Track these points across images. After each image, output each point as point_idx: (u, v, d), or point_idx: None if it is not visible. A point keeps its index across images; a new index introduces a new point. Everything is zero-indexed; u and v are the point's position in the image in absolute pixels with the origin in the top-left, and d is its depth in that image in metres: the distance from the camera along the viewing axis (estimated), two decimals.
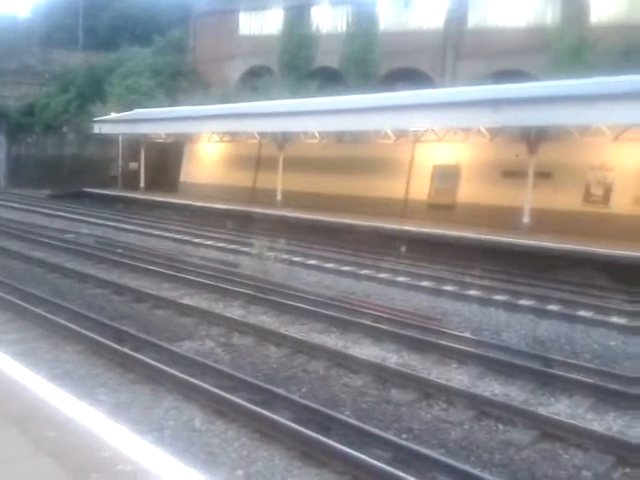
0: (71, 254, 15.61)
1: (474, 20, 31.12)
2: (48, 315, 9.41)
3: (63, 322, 9.07)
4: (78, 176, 36.31)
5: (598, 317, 11.15)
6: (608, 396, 7.26)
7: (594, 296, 12.95)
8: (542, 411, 6.77)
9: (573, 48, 24.55)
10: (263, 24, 38.14)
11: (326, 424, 6.10)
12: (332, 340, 9.25)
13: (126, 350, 7.90)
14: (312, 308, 10.68)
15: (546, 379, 7.74)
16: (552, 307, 11.78)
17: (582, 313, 11.38)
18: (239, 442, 5.75)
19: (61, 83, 44.51)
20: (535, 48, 26.25)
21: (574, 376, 7.75)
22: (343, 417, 6.28)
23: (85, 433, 3.53)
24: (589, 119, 16.56)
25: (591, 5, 26.59)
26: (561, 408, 7.02)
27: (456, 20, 31.04)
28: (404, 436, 6.13)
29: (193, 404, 6.51)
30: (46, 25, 52.04)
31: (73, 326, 8.87)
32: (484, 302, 12.05)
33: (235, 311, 10.70)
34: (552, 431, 6.26)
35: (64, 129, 41.04)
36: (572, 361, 8.50)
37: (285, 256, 15.50)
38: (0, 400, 3.95)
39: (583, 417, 6.79)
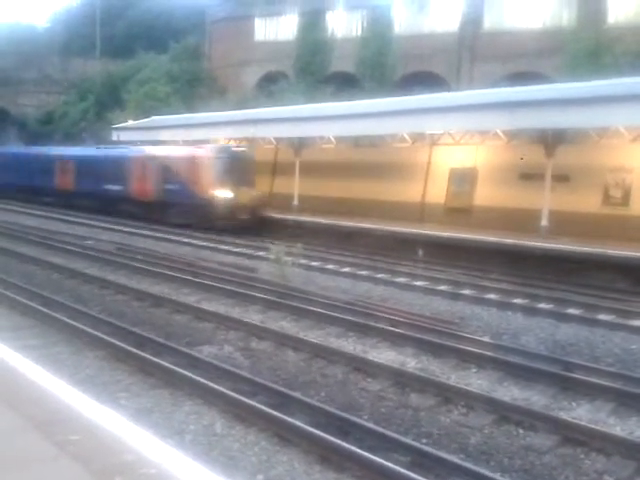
0: (90, 259, 15.77)
1: (489, 22, 31.02)
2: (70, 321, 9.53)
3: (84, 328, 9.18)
4: None
5: (619, 321, 11.02)
6: (630, 400, 7.18)
7: (615, 299, 12.80)
8: (563, 416, 6.72)
9: (590, 50, 24.36)
10: (278, 30, 38.33)
11: (345, 428, 6.10)
12: (350, 345, 9.25)
13: (146, 355, 7.97)
14: (330, 313, 10.68)
15: (567, 384, 7.68)
16: (572, 311, 11.66)
17: (602, 317, 11.27)
18: (259, 446, 5.77)
19: (79, 91, 45.13)
20: (551, 50, 26.12)
21: (595, 380, 7.68)
22: (362, 421, 6.28)
23: (108, 437, 3.57)
24: (607, 121, 16.41)
25: (608, 6, 26.38)
26: (582, 413, 6.95)
27: (471, 23, 30.95)
28: (423, 441, 6.11)
29: (213, 409, 6.54)
30: (64, 34, 52.83)
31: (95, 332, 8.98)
32: (503, 306, 11.97)
33: (253, 316, 10.74)
34: (573, 436, 6.20)
35: (83, 136, 41.56)
36: (593, 365, 8.43)
37: (302, 261, 15.52)
38: (24, 404, 4.01)
39: (605, 422, 6.72)
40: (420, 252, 17.64)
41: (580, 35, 25.20)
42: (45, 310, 10.09)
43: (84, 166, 29.40)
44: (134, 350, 8.15)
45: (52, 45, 49.49)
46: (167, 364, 7.60)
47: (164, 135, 30.45)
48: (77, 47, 51.21)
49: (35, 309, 10.21)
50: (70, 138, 42.29)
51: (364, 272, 15.25)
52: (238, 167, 22.84)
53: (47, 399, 4.13)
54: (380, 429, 6.04)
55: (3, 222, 23.05)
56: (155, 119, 32.78)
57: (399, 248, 18.25)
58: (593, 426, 6.38)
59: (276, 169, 28.43)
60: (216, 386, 6.86)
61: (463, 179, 21.69)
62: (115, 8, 52.55)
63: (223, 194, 22.25)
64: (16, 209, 29.56)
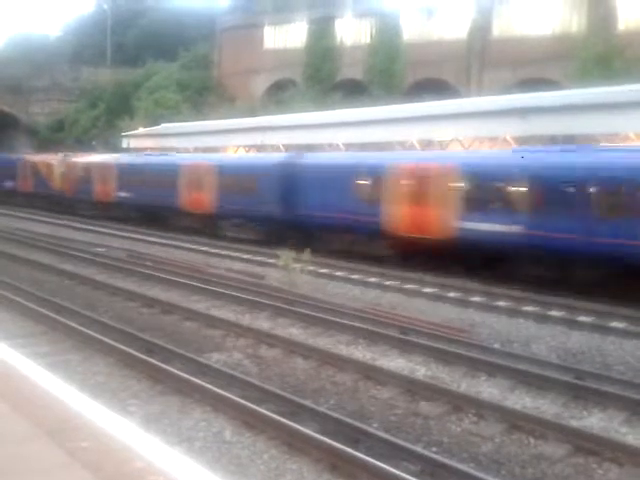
0: (101, 266, 15.82)
1: (498, 29, 30.98)
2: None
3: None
4: None
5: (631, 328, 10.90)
6: None
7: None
8: (575, 424, 6.66)
9: (600, 56, 24.27)
10: (287, 37, 38.48)
11: (355, 436, 6.07)
12: (359, 352, 9.22)
13: (156, 362, 7.97)
14: (339, 320, 10.65)
15: (578, 392, 7.60)
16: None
17: (614, 324, 11.14)
18: (268, 454, 5.75)
19: (90, 99, 45.48)
20: (561, 56, 26.03)
21: (607, 389, 7.60)
22: (372, 429, 6.25)
23: (118, 444, 3.56)
24: (617, 127, 16.35)
25: (618, 12, 26.30)
26: (594, 422, 6.88)
27: (480, 29, 30.94)
28: (434, 449, 6.07)
29: (222, 416, 6.53)
30: (75, 43, 53.40)
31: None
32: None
33: (262, 323, 10.73)
34: (585, 445, 6.14)
35: (93, 144, 41.84)
36: (605, 373, 8.35)
37: (311, 267, 15.47)
38: (35, 411, 4.01)
39: (617, 431, 6.65)
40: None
41: (590, 41, 25.13)
42: (56, 317, 10.13)
43: None
44: (144, 357, 8.16)
45: (63, 53, 50.02)
46: (176, 371, 7.60)
47: (173, 142, 30.63)
48: (88, 55, 51.71)
49: (46, 316, 10.25)
50: (81, 145, 42.61)
51: (373, 279, 15.17)
52: None
53: (58, 406, 4.14)
54: (390, 437, 6.01)
55: (16, 229, 23.18)
56: (165, 126, 32.96)
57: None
58: (605, 435, 6.32)
59: None
60: (225, 393, 6.86)
61: None
62: (126, 17, 53.06)
63: None
64: (29, 217, 29.72)
